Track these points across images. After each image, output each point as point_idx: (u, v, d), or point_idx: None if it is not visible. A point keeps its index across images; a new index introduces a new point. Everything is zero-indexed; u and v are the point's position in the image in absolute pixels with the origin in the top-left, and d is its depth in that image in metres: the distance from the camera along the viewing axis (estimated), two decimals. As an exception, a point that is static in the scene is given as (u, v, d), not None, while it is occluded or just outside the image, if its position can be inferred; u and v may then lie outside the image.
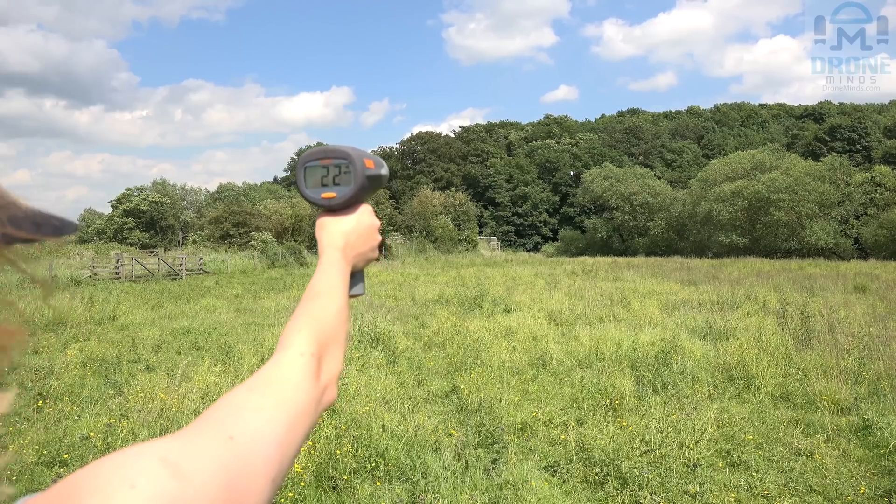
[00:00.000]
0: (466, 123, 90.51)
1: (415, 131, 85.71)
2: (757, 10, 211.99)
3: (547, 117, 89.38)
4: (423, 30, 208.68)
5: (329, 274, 0.73)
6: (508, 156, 77.55)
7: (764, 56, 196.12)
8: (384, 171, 0.82)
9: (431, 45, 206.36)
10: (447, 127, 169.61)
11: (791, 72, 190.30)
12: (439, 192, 56.56)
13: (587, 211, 63.51)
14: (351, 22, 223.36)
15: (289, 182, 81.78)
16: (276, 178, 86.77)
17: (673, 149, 77.63)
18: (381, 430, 4.84)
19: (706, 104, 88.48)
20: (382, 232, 0.82)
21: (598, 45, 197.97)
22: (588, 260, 36.17)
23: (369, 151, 0.81)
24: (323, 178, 0.77)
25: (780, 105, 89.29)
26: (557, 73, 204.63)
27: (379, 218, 0.83)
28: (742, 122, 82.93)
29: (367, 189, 0.78)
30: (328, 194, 0.77)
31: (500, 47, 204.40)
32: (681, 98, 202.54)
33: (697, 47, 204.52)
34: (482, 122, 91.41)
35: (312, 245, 42.09)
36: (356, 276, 0.80)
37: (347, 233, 0.77)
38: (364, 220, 0.80)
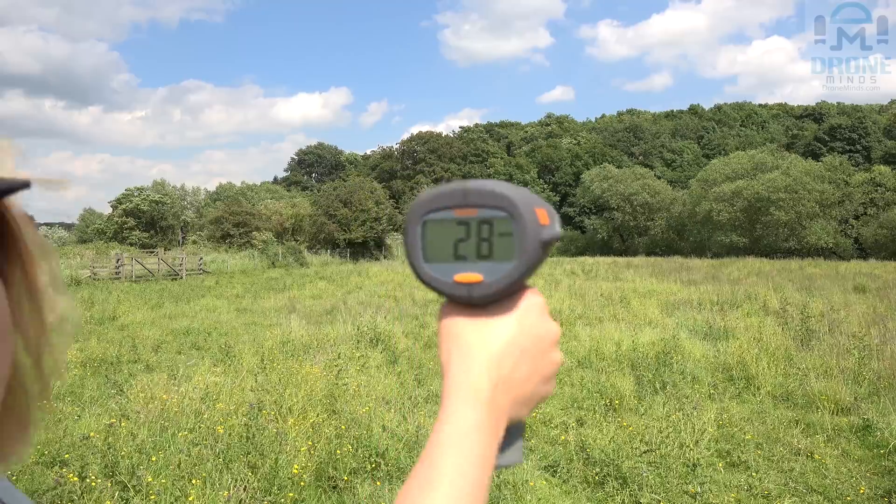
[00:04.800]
0: (464, 124, 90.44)
1: (413, 131, 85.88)
2: (750, 11, 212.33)
3: (548, 116, 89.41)
4: (420, 31, 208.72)
5: (460, 448, 0.41)
6: (508, 156, 77.56)
7: (757, 57, 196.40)
8: (558, 226, 0.49)
9: (428, 46, 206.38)
10: (445, 127, 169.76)
11: (785, 73, 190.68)
12: (439, 192, 56.46)
13: (587, 211, 63.50)
14: (349, 23, 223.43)
15: (288, 182, 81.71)
16: (275, 178, 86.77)
17: (673, 149, 77.61)
18: (381, 430, 4.84)
19: (703, 105, 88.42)
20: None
21: (594, 47, 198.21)
22: (588, 260, 36.16)
23: (535, 195, 0.48)
24: (460, 243, 0.46)
25: (780, 105, 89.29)
26: (554, 73, 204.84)
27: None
28: (742, 122, 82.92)
29: (537, 264, 0.46)
30: (469, 276, 0.45)
31: (495, 48, 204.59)
32: (677, 99, 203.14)
33: (691, 48, 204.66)
34: (480, 122, 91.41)
35: (312, 245, 41.93)
36: (513, 431, 0.47)
37: (500, 357, 0.44)
38: (531, 324, 0.46)
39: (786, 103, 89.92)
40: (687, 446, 4.69)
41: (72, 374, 7.05)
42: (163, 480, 3.77)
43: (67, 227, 67.33)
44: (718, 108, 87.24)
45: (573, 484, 4.28)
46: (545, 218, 0.46)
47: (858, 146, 63.94)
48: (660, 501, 3.92)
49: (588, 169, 65.04)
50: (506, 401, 0.44)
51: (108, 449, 4.29)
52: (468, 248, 0.45)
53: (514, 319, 0.45)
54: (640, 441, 4.76)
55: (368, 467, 4.33)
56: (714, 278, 20.25)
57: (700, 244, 47.00)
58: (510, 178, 70.87)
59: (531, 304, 0.47)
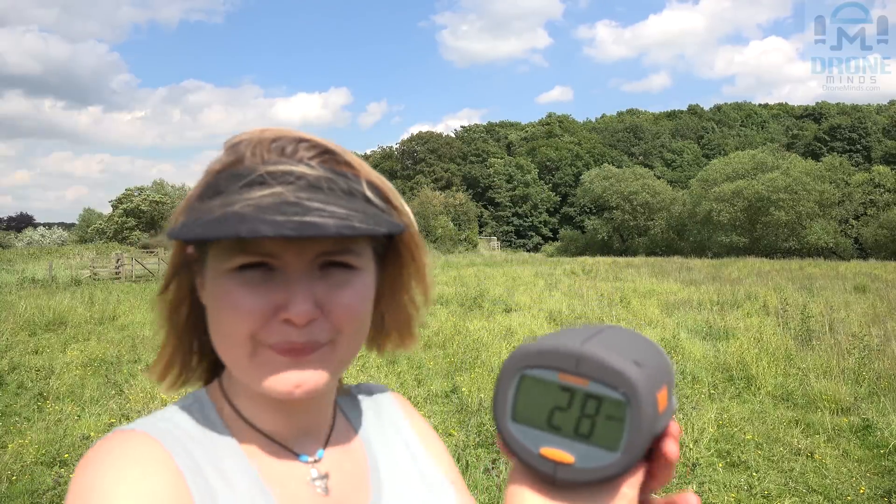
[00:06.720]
0: (464, 123, 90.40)
1: (412, 132, 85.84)
2: (747, 11, 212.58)
3: (549, 116, 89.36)
4: (418, 31, 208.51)
5: None
6: (509, 156, 77.55)
7: (755, 57, 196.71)
8: (674, 400, 0.42)
9: (426, 46, 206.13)
10: (444, 127, 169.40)
11: (783, 73, 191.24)
12: (439, 192, 56.57)
13: (588, 210, 63.50)
14: (348, 24, 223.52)
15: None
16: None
17: (673, 149, 77.63)
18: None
19: (702, 105, 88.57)
20: None
21: (592, 47, 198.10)
22: (588, 260, 36.16)
23: (664, 362, 0.42)
24: (557, 411, 0.39)
25: (780, 105, 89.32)
26: (552, 74, 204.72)
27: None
28: (742, 123, 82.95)
29: (642, 457, 0.39)
30: (560, 454, 0.38)
31: (494, 49, 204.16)
32: (675, 99, 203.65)
33: (689, 49, 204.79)
34: (479, 122, 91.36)
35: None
36: None
37: None
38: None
39: (786, 103, 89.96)
40: (687, 446, 4.69)
41: (72, 375, 7.05)
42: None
43: (67, 227, 67.35)
44: (718, 108, 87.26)
45: (573, 484, 4.28)
46: (664, 400, 0.39)
47: (858, 146, 63.96)
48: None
49: (588, 169, 65.02)
50: None
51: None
52: (566, 419, 0.38)
53: None
54: (640, 441, 4.76)
55: (368, 467, 4.32)
56: (714, 278, 20.26)
57: (700, 244, 46.97)
58: (510, 179, 70.87)
59: (621, 497, 0.39)
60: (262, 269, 0.52)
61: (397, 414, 0.75)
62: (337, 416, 0.69)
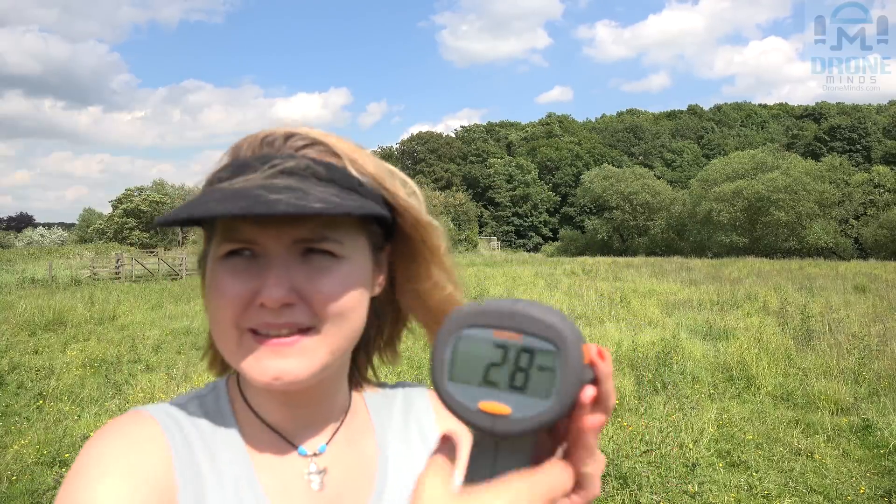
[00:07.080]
0: (464, 124, 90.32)
1: (412, 132, 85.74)
2: (746, 12, 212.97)
3: (549, 116, 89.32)
4: (417, 31, 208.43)
5: None
6: (509, 156, 77.51)
7: (754, 57, 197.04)
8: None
9: (426, 46, 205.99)
10: (444, 127, 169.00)
11: (782, 73, 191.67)
12: (439, 192, 56.57)
13: (588, 210, 63.47)
14: (348, 24, 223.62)
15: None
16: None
17: (673, 149, 77.63)
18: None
19: (701, 105, 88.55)
20: None
21: (591, 47, 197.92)
22: (588, 260, 36.14)
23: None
24: (492, 367, 0.41)
25: (780, 105, 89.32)
26: (552, 74, 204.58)
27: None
28: (742, 123, 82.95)
29: (573, 406, 0.40)
30: (497, 406, 0.40)
31: (494, 49, 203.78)
32: (675, 99, 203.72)
33: (688, 49, 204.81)
34: (479, 122, 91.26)
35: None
36: None
37: None
38: (547, 483, 0.38)
39: (786, 103, 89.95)
40: (687, 446, 4.70)
41: (72, 375, 7.05)
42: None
43: (67, 227, 67.35)
44: (718, 108, 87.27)
45: (573, 484, 4.27)
46: (587, 353, 0.40)
47: (858, 146, 63.98)
48: (659, 501, 3.92)
49: (588, 169, 64.98)
50: None
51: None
52: (500, 374, 0.40)
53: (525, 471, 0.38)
54: (640, 441, 4.76)
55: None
56: (714, 278, 20.26)
57: (700, 244, 46.96)
58: (510, 179, 70.83)
59: (554, 464, 0.40)
60: (247, 257, 0.54)
61: (427, 413, 0.74)
62: (356, 411, 0.68)
